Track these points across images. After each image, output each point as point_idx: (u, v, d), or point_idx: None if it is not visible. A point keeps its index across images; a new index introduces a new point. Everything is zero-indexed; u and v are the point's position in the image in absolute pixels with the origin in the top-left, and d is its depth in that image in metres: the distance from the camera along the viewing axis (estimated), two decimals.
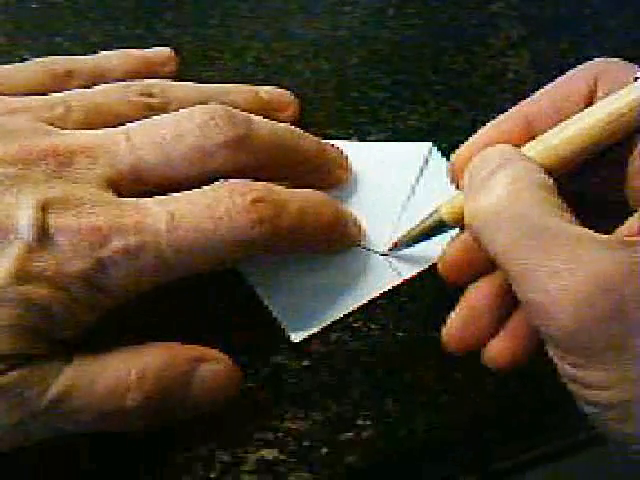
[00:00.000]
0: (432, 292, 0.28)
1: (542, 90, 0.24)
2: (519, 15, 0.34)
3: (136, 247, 0.22)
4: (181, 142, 0.23)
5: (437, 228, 0.25)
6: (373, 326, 0.27)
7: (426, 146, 0.30)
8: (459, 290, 0.26)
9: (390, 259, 0.28)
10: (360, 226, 0.28)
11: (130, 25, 0.32)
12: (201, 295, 0.26)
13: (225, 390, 0.24)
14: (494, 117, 0.26)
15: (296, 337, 0.26)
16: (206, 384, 0.23)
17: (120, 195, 0.23)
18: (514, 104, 0.24)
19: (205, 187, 0.23)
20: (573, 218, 0.20)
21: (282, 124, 0.26)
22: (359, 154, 0.29)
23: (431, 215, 0.25)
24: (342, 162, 0.28)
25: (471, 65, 0.32)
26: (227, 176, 0.24)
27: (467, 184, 0.22)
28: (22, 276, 0.20)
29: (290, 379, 0.26)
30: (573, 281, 0.18)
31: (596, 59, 0.24)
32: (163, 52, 0.30)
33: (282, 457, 0.25)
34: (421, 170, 0.29)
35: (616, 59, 0.23)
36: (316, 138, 0.27)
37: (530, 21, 0.34)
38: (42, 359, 0.21)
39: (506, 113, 0.24)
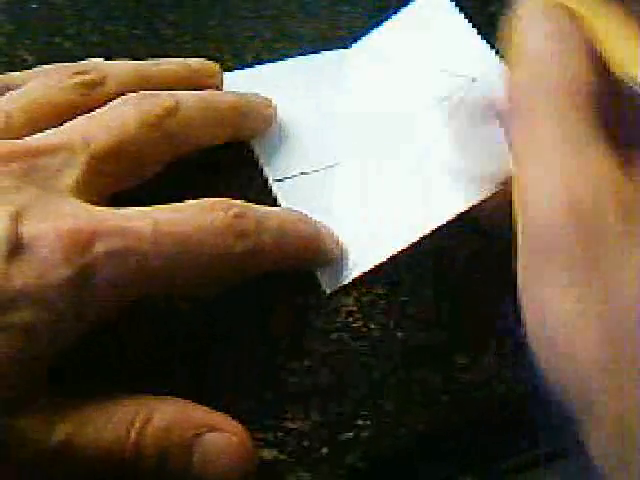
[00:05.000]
0: (432, 292, 0.28)
1: None
2: None
3: (121, 251, 0.21)
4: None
5: None
6: (373, 326, 0.27)
7: None
8: (459, 291, 0.26)
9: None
10: (338, 242, 0.27)
11: (130, 25, 0.32)
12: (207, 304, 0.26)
13: (230, 467, 0.22)
14: None
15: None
16: (208, 457, 0.22)
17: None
18: None
19: (187, 201, 0.23)
20: (598, 134, 0.20)
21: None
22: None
23: None
24: (265, 110, 0.29)
25: None
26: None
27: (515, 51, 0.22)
28: (2, 300, 0.19)
29: (290, 379, 0.26)
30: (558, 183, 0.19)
31: None
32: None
33: (282, 457, 0.25)
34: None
35: None
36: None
37: None
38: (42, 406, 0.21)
39: None
